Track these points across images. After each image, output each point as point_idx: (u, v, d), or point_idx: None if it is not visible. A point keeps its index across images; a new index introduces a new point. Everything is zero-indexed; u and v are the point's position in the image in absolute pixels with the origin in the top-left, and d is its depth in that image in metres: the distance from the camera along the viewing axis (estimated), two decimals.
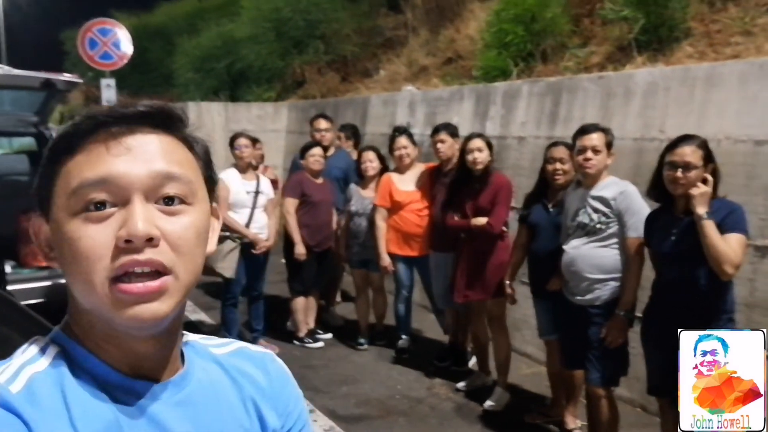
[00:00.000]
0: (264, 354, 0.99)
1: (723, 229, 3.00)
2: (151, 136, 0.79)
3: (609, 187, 3.55)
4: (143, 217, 0.74)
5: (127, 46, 12.83)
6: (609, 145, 3.60)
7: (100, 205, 0.75)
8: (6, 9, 23.29)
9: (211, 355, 0.93)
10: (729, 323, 3.09)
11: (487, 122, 6.28)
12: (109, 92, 12.66)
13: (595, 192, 3.57)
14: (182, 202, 0.79)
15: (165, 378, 0.83)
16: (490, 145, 4.66)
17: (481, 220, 4.52)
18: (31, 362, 0.77)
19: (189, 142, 0.84)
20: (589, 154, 3.53)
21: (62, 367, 0.77)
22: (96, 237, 0.74)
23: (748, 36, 5.26)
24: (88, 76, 14.19)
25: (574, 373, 4.00)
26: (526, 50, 7.17)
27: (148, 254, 0.74)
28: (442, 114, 6.93)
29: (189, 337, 0.93)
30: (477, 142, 4.59)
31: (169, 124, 0.82)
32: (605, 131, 3.62)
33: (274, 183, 5.96)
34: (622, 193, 3.49)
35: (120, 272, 0.74)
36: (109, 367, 0.79)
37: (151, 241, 0.74)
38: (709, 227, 2.94)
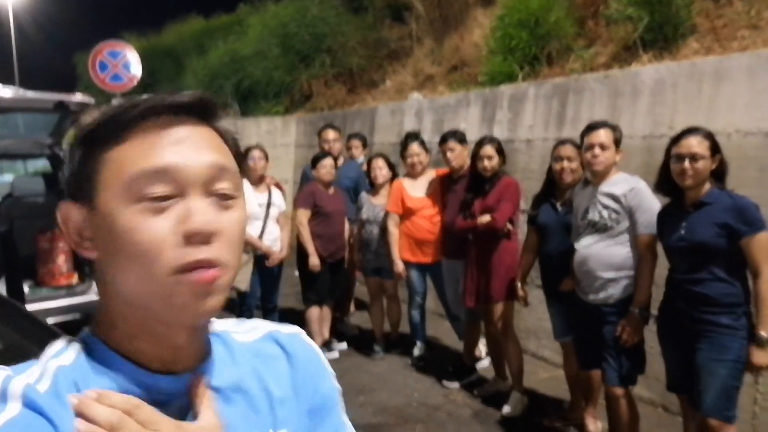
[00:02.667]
0: (291, 336, 0.97)
1: (743, 232, 2.97)
2: (199, 127, 0.79)
3: (619, 183, 3.53)
4: (206, 210, 0.74)
5: (136, 68, 12.97)
6: (617, 142, 3.58)
7: (160, 197, 0.73)
8: (17, 35, 23.59)
9: (236, 344, 0.92)
10: (744, 316, 3.05)
11: (495, 126, 6.27)
12: None
13: (604, 189, 3.54)
14: (230, 196, 0.78)
15: (193, 366, 0.82)
16: (501, 150, 4.65)
17: (486, 218, 4.50)
18: (56, 356, 0.77)
19: (223, 134, 0.83)
20: (597, 150, 3.51)
21: (84, 366, 0.76)
22: (156, 229, 0.73)
23: (754, 30, 5.24)
24: (99, 99, 14.34)
25: (592, 375, 3.96)
26: (531, 54, 7.17)
27: (207, 252, 0.74)
28: (449, 121, 6.93)
29: (216, 325, 0.92)
30: (487, 150, 4.58)
31: (210, 114, 0.81)
32: (613, 128, 3.59)
33: (277, 186, 5.95)
34: (633, 189, 3.46)
35: (186, 267, 0.73)
36: (132, 364, 0.78)
37: (212, 236, 0.74)
38: None
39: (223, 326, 0.93)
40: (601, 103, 5.11)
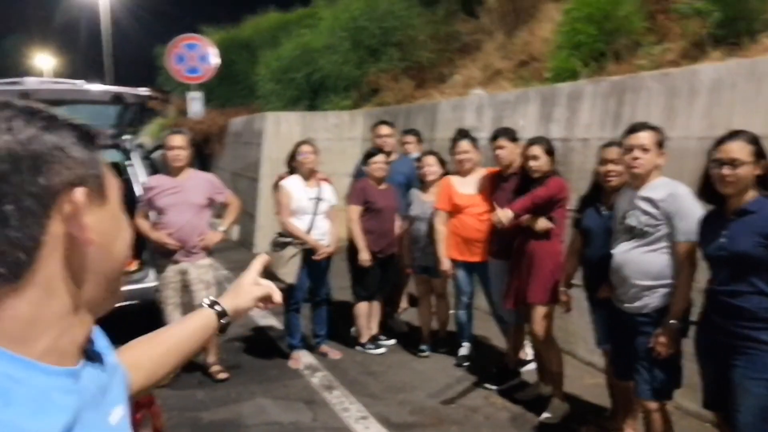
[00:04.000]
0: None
1: None
2: None
3: (658, 188, 3.37)
4: None
5: (212, 60, 13.35)
6: (660, 144, 3.42)
7: None
8: (110, 27, 24.60)
9: None
10: None
11: (552, 124, 6.11)
12: (194, 105, 13.20)
13: (643, 193, 3.40)
14: None
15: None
16: (550, 151, 4.53)
17: (547, 223, 4.41)
18: None
19: None
20: (637, 152, 3.37)
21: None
22: None
23: None
24: (179, 89, 14.81)
25: (630, 384, 3.82)
26: (598, 50, 6.94)
27: None
28: (508, 117, 6.80)
29: None
30: (535, 150, 4.48)
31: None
32: (655, 129, 3.44)
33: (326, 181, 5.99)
34: (672, 194, 3.30)
35: None
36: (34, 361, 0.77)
37: None
38: None
39: None
40: (657, 103, 4.89)
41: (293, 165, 5.66)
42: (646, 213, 3.37)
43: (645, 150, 3.36)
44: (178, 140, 5.02)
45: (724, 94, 4.33)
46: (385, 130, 6.34)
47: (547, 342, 4.54)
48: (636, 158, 3.37)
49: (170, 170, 5.03)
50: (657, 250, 3.36)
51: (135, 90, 5.52)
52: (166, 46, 13.58)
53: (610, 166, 3.89)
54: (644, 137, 3.38)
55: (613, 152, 3.88)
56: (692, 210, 3.26)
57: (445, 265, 5.31)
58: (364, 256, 5.59)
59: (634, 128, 3.46)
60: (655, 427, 3.44)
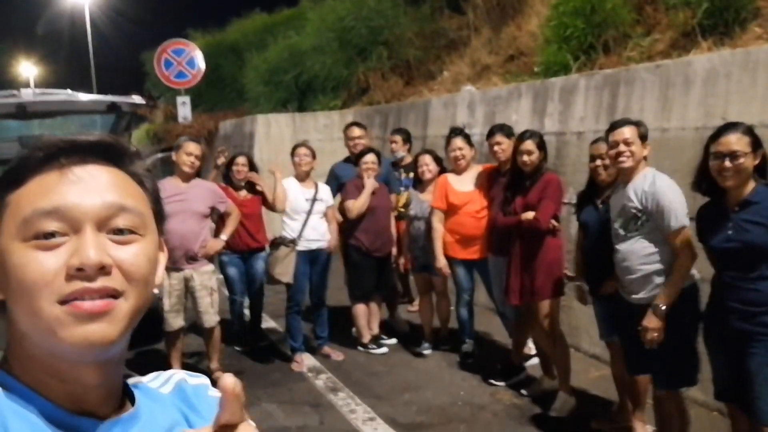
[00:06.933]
0: (197, 387, 0.95)
1: None
2: (103, 168, 0.80)
3: (641, 181, 3.44)
4: (95, 245, 0.75)
5: (200, 64, 13.29)
6: (643, 138, 3.49)
7: (50, 234, 0.75)
8: (93, 34, 24.48)
9: (158, 396, 0.91)
10: None
11: (546, 119, 6.13)
12: (184, 109, 13.13)
13: (631, 187, 3.47)
14: (133, 232, 0.79)
15: (110, 416, 0.81)
16: (542, 145, 4.55)
17: (529, 215, 4.42)
18: None
19: (139, 177, 0.85)
20: (622, 147, 3.45)
21: (5, 405, 0.75)
22: (45, 263, 0.74)
23: None
24: (167, 95, 14.74)
25: (638, 378, 3.83)
26: (587, 43, 6.95)
27: (100, 282, 0.74)
28: (501, 113, 6.81)
29: (136, 378, 0.92)
30: (528, 145, 4.50)
31: (119, 158, 0.83)
32: (637, 124, 3.53)
33: None
34: (651, 185, 3.37)
35: (70, 298, 0.73)
36: (51, 403, 0.77)
37: (103, 270, 0.74)
38: None
39: (141, 379, 0.92)
40: (652, 94, 4.92)
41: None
42: (635, 205, 3.42)
43: (628, 144, 3.44)
44: (193, 147, 5.02)
45: (719, 83, 4.36)
46: (356, 131, 6.32)
47: (555, 336, 4.55)
48: (620, 152, 3.45)
49: (179, 174, 5.01)
50: (656, 240, 3.40)
51: (130, 98, 5.50)
52: (152, 52, 13.51)
53: (598, 162, 4.00)
54: (627, 132, 3.46)
55: (601, 148, 3.95)
56: (672, 198, 3.31)
57: (441, 263, 5.31)
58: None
59: (616, 124, 3.56)
60: (670, 417, 3.46)
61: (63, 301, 0.73)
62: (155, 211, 0.86)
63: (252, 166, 5.88)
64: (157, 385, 0.93)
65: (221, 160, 5.96)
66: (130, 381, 0.90)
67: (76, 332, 0.73)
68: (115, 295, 0.75)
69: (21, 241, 0.75)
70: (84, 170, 0.78)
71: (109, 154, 0.82)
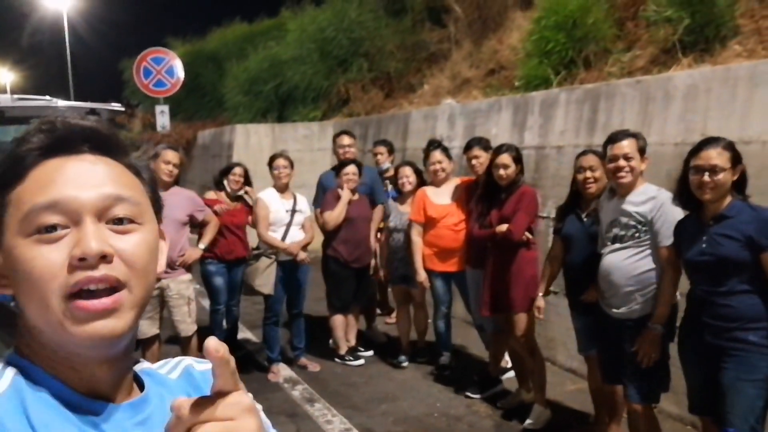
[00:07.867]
0: (205, 373, 0.97)
1: (764, 246, 2.84)
2: (99, 160, 0.82)
3: (642, 195, 3.41)
4: (96, 235, 0.77)
5: (179, 73, 13.21)
6: (642, 151, 3.45)
7: (51, 228, 0.77)
8: (71, 41, 24.27)
9: (166, 381, 0.94)
10: None
11: (526, 132, 6.15)
12: (163, 118, 13.03)
13: (628, 201, 3.43)
14: (132, 222, 0.81)
15: (121, 400, 0.84)
16: (519, 159, 4.54)
17: (504, 227, 4.41)
18: None
19: (135, 168, 0.88)
20: (622, 162, 3.39)
21: (23, 388, 0.77)
22: (50, 257, 0.76)
23: None
24: (145, 103, 14.63)
25: (616, 389, 3.83)
26: (568, 57, 7.01)
27: (103, 270, 0.76)
28: (481, 126, 6.83)
29: (144, 365, 0.95)
30: (504, 158, 4.48)
31: (114, 149, 0.85)
32: (636, 136, 3.47)
33: None
34: (655, 201, 3.34)
35: (75, 289, 0.75)
36: (66, 387, 0.79)
37: (104, 259, 0.76)
38: None
39: (150, 366, 0.96)
40: (632, 109, 4.95)
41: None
42: (632, 220, 3.39)
43: (629, 158, 3.39)
44: (172, 155, 4.97)
45: (699, 99, 4.40)
46: (346, 140, 6.30)
47: (530, 349, 4.53)
48: (620, 167, 3.39)
49: (158, 183, 4.94)
50: (645, 256, 3.38)
51: (109, 105, 5.43)
52: (132, 59, 13.41)
53: (588, 174, 3.90)
54: (627, 146, 3.40)
55: (590, 159, 3.90)
56: (675, 216, 3.29)
57: (421, 276, 5.29)
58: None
59: (616, 137, 3.47)
60: (642, 430, 3.44)
61: (70, 295, 0.75)
62: (153, 201, 0.89)
63: (247, 179, 5.90)
64: (166, 371, 0.97)
65: None
66: (139, 367, 0.93)
67: (85, 328, 0.76)
68: (117, 286, 0.77)
69: (24, 236, 0.77)
70: (80, 162, 0.81)
71: (104, 145, 0.84)
